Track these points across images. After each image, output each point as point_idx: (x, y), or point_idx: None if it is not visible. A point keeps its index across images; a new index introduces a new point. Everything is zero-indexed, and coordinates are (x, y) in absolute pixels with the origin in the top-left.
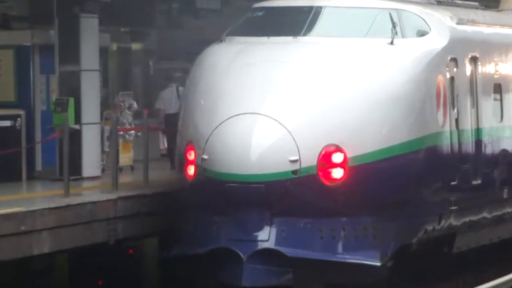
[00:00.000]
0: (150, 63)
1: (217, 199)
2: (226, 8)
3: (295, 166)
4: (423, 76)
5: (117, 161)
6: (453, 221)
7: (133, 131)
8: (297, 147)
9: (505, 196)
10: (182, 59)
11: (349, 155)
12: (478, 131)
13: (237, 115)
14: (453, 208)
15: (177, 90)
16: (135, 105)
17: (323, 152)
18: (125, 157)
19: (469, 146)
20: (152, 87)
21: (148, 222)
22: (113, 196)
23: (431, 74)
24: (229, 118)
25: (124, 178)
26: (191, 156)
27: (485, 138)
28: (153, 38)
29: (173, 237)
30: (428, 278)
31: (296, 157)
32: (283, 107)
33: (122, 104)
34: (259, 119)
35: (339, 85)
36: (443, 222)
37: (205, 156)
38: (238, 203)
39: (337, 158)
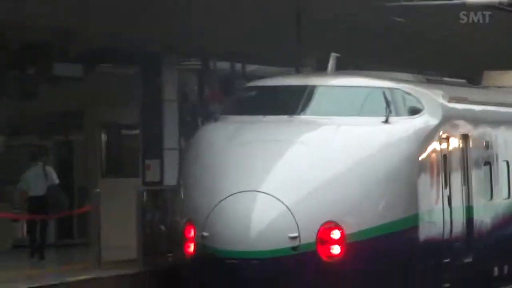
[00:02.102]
0: (0, 139)
1: (217, 276)
2: (90, 75)
3: (295, 243)
4: (417, 154)
5: None
6: None
7: None
8: (297, 223)
9: (496, 274)
10: (37, 134)
11: (346, 231)
12: (468, 209)
13: (237, 192)
14: (446, 285)
15: (44, 168)
16: None
17: (321, 229)
18: None
19: (460, 224)
20: (2, 166)
21: None
22: None
23: (424, 152)
24: (229, 195)
25: None
26: (191, 233)
27: (476, 216)
28: (3, 110)
29: None
30: None
31: (296, 234)
32: (282, 184)
33: None
34: (259, 197)
35: (336, 163)
36: None
37: (205, 233)
38: (238, 279)
39: (335, 234)
